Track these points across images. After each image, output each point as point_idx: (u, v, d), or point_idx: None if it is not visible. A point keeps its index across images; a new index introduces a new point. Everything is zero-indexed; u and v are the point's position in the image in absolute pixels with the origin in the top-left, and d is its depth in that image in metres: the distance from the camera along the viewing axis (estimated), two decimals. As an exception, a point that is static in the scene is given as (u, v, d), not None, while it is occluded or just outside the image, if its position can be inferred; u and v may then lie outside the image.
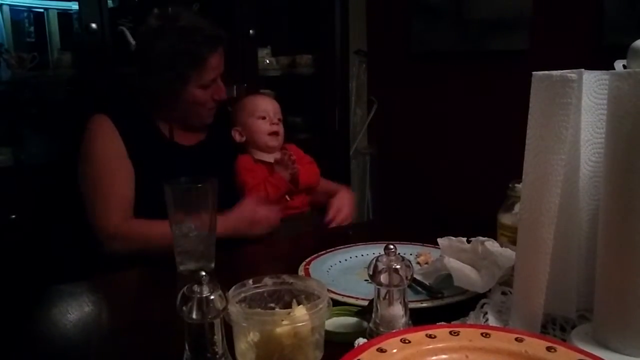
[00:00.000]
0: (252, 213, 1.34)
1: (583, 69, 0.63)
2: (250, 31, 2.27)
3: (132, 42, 1.69)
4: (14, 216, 1.79)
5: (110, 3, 2.04)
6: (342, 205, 1.49)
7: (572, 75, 0.61)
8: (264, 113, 1.52)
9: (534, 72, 0.63)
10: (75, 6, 2.17)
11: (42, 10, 2.30)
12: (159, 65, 1.38)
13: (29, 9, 2.31)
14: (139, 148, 1.39)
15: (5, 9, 2.18)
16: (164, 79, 1.39)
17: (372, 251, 0.96)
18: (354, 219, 1.57)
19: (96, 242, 1.32)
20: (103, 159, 1.37)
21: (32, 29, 2.32)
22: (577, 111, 0.64)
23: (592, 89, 0.66)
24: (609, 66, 0.64)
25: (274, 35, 2.53)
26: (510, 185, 0.89)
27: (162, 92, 1.42)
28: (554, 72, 0.62)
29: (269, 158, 1.52)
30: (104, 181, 1.35)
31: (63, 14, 2.32)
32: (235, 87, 1.91)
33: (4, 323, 0.84)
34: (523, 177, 0.66)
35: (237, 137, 1.54)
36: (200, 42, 1.37)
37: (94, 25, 1.88)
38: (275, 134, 1.52)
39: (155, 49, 1.38)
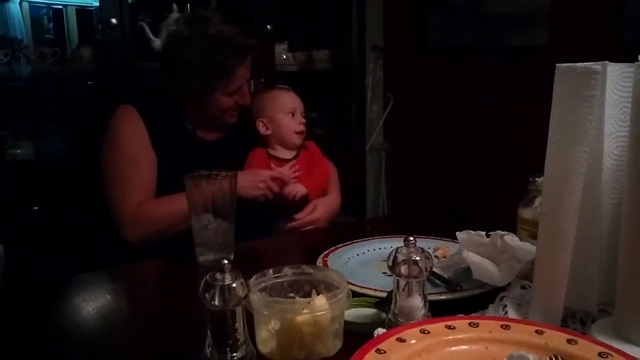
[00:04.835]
0: (255, 172, 1.41)
1: (607, 61, 0.63)
2: (268, 26, 2.28)
3: (152, 37, 1.70)
4: (35, 208, 1.82)
5: (129, -2, 2.06)
6: (317, 208, 1.44)
7: (597, 67, 0.60)
8: (293, 110, 1.52)
9: (557, 64, 0.63)
10: (93, 2, 2.20)
11: (61, 7, 2.33)
12: (187, 73, 1.39)
13: (48, 6, 2.35)
14: (162, 139, 1.41)
15: (25, 5, 2.22)
16: (191, 86, 1.40)
17: (389, 244, 0.95)
18: (371, 214, 1.56)
19: (115, 231, 1.33)
20: (127, 145, 1.39)
21: (51, 25, 2.36)
22: (601, 104, 0.64)
23: (616, 81, 0.65)
24: (630, 61, 0.64)
25: (291, 30, 2.54)
26: (530, 179, 0.89)
27: (187, 96, 1.44)
28: (578, 64, 0.61)
29: (287, 155, 1.53)
30: (126, 167, 1.37)
31: (81, 11, 2.35)
32: (252, 82, 1.91)
33: (26, 312, 0.86)
34: (545, 169, 0.66)
35: (262, 130, 1.52)
36: (228, 54, 1.38)
37: (114, 21, 1.90)
38: (302, 132, 1.53)
39: (183, 57, 1.39)
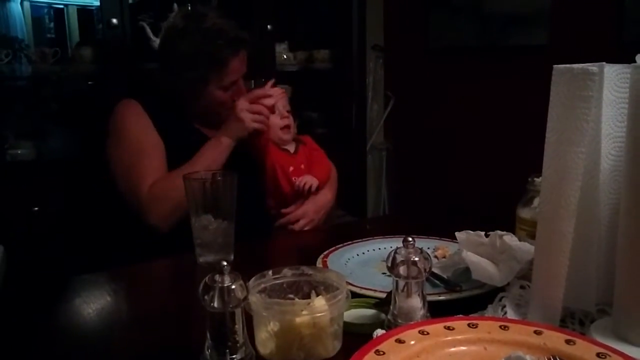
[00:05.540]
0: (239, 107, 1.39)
1: (604, 63, 0.63)
2: (268, 26, 2.28)
3: (152, 37, 1.71)
4: (36, 208, 1.83)
5: (130, -2, 2.06)
6: (305, 202, 1.46)
7: (594, 68, 0.61)
8: (274, 107, 1.52)
9: (555, 65, 0.63)
10: (94, 2, 2.21)
11: (62, 6, 2.33)
12: (181, 65, 1.40)
13: (49, 6, 2.35)
14: (165, 132, 1.41)
15: (26, 5, 2.23)
16: (185, 78, 1.41)
17: (389, 245, 0.95)
18: (372, 214, 1.56)
19: (136, 220, 1.33)
20: (134, 133, 1.39)
21: (52, 25, 2.37)
22: (598, 105, 0.64)
23: (613, 82, 0.65)
24: (629, 61, 0.64)
25: (291, 30, 2.54)
26: (529, 179, 0.89)
27: (183, 90, 1.44)
28: (575, 65, 0.62)
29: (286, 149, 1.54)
30: (138, 155, 1.36)
31: (82, 10, 2.35)
32: (253, 82, 1.92)
33: (27, 313, 0.86)
34: (543, 170, 0.66)
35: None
36: (222, 46, 1.38)
37: (114, 21, 1.91)
38: (287, 127, 1.52)
39: (178, 49, 1.40)
